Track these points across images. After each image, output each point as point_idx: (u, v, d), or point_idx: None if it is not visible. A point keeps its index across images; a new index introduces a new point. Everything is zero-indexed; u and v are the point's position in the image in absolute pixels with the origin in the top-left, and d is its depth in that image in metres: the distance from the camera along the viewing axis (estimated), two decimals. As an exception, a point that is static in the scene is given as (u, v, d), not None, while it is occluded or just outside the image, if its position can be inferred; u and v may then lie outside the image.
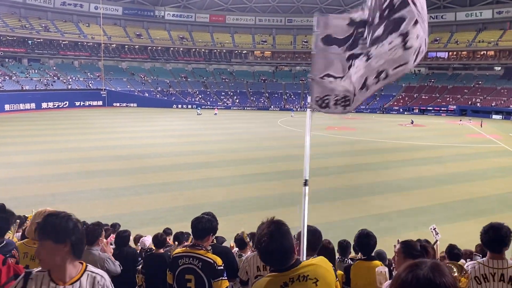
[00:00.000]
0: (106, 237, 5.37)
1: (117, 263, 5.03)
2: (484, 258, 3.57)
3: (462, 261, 5.96)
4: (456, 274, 3.61)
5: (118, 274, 5.07)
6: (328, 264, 2.60)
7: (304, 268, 2.43)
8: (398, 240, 4.15)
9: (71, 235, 2.33)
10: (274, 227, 2.43)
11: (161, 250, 5.99)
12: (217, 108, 66.91)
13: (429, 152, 30.70)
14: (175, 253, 3.96)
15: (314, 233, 3.60)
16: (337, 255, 5.70)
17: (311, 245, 3.38)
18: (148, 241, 7.46)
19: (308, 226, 3.78)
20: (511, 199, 18.61)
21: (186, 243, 6.27)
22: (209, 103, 74.43)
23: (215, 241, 4.71)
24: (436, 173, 23.74)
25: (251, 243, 6.28)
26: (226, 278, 3.80)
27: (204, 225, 3.87)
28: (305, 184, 3.41)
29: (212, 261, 3.74)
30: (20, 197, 16.92)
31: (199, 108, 65.12)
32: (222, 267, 3.76)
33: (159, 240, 6.07)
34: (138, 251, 6.67)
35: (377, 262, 4.37)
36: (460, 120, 54.80)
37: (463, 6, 78.03)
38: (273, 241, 2.37)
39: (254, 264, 4.10)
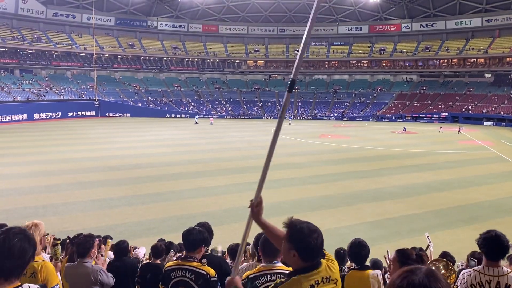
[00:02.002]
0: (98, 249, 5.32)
1: (110, 275, 4.98)
2: (480, 266, 3.57)
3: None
4: (443, 271, 3.65)
5: (114, 286, 5.02)
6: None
7: (326, 269, 2.45)
8: (387, 251, 4.15)
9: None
10: (313, 224, 2.48)
11: (158, 261, 5.94)
12: (212, 117, 66.95)
13: (422, 159, 30.88)
14: (167, 267, 3.92)
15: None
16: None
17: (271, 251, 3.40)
18: (141, 252, 7.39)
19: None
20: (504, 205, 18.72)
21: (178, 254, 6.22)
22: (204, 112, 74.46)
23: (209, 251, 4.68)
24: (429, 180, 23.86)
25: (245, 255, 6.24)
26: None
27: (195, 237, 3.84)
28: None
29: (205, 273, 3.71)
30: (11, 209, 16.77)
31: (196, 117, 65.17)
32: (215, 279, 3.74)
33: (158, 250, 6.02)
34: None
35: (370, 271, 4.36)
36: (440, 127, 55.19)
37: (452, 15, 79.11)
38: (320, 236, 2.41)
39: (249, 276, 4.07)
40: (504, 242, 3.45)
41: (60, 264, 5.20)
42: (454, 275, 3.71)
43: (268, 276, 3.32)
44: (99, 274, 4.79)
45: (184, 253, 4.01)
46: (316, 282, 2.37)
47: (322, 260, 2.47)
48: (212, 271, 3.75)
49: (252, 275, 3.39)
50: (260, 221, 2.89)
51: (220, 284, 3.81)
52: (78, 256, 4.84)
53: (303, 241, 2.37)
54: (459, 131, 50.75)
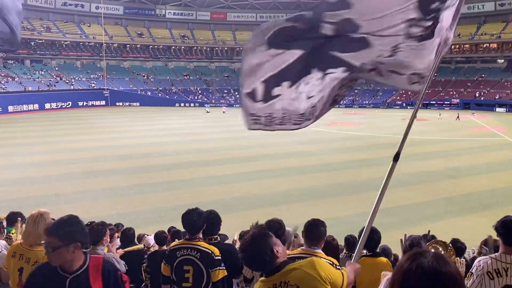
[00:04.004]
0: (111, 237, 5.36)
1: (122, 262, 5.04)
2: (496, 253, 3.51)
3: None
4: (442, 253, 3.62)
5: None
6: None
7: (287, 273, 2.40)
8: (405, 235, 4.12)
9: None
10: (254, 232, 2.47)
11: (164, 247, 6.01)
12: (224, 106, 66.73)
13: (433, 146, 30.59)
14: (173, 246, 4.04)
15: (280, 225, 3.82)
16: (344, 251, 5.70)
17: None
18: (152, 239, 7.47)
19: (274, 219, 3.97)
20: (516, 192, 18.52)
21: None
22: (213, 101, 74.38)
23: (218, 239, 4.70)
24: (440, 167, 23.65)
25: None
26: (223, 268, 3.87)
27: (196, 221, 3.94)
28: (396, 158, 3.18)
29: (210, 252, 3.84)
30: (24, 198, 17.00)
31: (207, 106, 65.06)
32: (219, 258, 3.86)
33: (160, 237, 6.13)
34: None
35: (382, 258, 4.32)
36: (440, 114, 54.30)
37: (465, -1, 77.51)
38: (251, 246, 2.42)
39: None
40: None
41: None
42: (454, 257, 3.68)
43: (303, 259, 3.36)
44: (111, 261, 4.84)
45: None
46: (274, 286, 2.39)
47: (288, 264, 2.43)
48: (216, 250, 3.86)
49: (290, 256, 3.45)
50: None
51: (231, 271, 3.87)
52: (90, 244, 4.90)
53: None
54: (457, 117, 49.96)
